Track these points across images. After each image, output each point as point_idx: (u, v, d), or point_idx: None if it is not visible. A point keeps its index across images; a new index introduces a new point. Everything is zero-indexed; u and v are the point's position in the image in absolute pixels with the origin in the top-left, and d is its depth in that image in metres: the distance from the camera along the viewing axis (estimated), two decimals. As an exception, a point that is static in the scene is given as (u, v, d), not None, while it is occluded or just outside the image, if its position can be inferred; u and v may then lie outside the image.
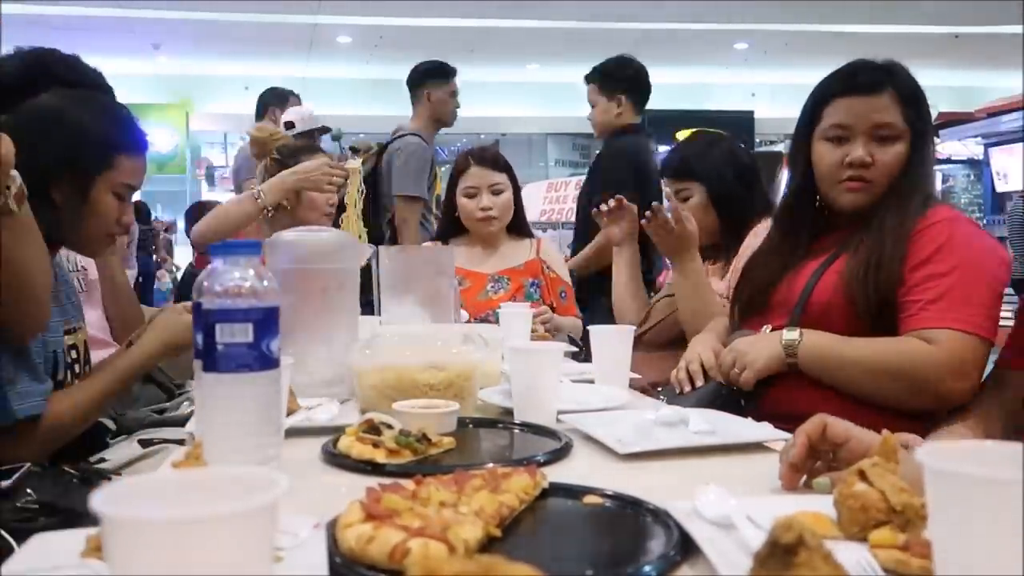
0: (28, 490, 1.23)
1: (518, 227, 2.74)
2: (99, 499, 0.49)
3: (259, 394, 0.89)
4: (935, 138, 1.75)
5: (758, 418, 1.35)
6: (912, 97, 1.64)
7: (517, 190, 2.71)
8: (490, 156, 2.67)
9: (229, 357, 0.86)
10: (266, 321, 0.87)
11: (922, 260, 1.54)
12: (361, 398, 1.41)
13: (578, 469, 1.09)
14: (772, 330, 1.64)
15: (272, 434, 0.95)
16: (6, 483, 1.26)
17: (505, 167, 2.66)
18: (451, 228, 2.73)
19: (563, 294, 2.66)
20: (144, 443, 1.66)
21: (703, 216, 2.30)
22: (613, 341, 1.64)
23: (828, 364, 1.54)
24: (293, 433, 1.20)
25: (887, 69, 1.65)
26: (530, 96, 12.74)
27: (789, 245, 1.74)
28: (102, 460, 1.60)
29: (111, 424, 1.76)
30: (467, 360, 1.42)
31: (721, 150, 2.37)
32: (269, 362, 0.88)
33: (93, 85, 1.80)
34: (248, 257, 0.89)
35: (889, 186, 1.63)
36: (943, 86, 12.44)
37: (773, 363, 1.56)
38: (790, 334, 1.56)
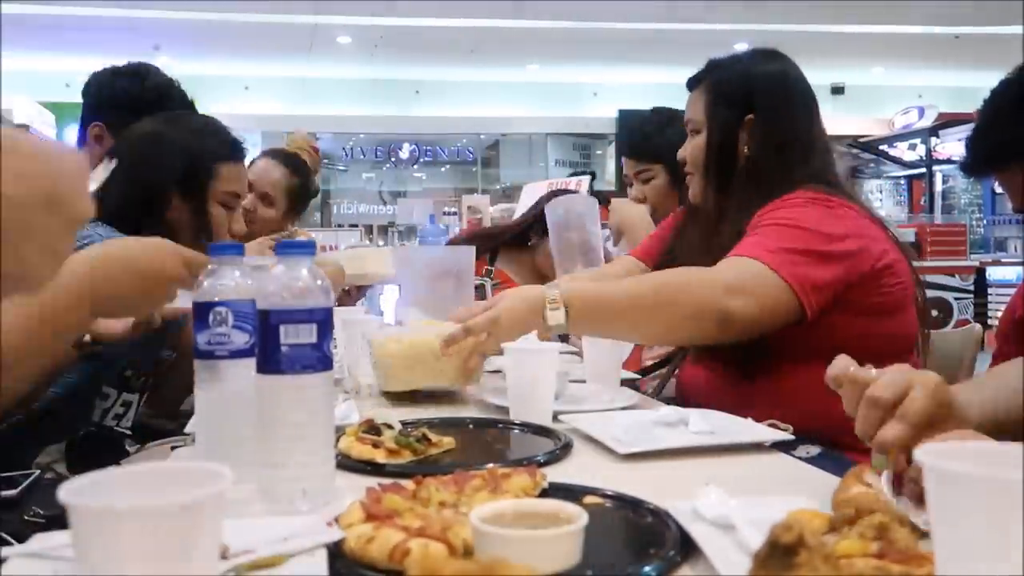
0: (35, 508, 1.21)
1: None
2: (64, 491, 0.53)
3: (322, 395, 0.89)
4: (792, 132, 1.57)
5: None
6: (724, 92, 1.61)
7: None
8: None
9: (294, 359, 0.86)
10: (327, 322, 0.88)
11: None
12: (379, 371, 1.50)
13: (578, 469, 1.09)
14: None
15: (331, 437, 0.94)
16: (12, 492, 1.25)
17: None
18: None
19: None
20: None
21: (664, 199, 2.24)
22: (604, 339, 1.63)
23: (598, 313, 1.43)
24: (293, 433, 1.20)
25: (712, 66, 1.66)
26: (530, 96, 12.73)
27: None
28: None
29: (128, 431, 1.75)
30: None
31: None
32: (329, 363, 0.90)
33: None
34: (307, 257, 0.89)
35: (711, 178, 1.63)
36: (943, 86, 12.43)
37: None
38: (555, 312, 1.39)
